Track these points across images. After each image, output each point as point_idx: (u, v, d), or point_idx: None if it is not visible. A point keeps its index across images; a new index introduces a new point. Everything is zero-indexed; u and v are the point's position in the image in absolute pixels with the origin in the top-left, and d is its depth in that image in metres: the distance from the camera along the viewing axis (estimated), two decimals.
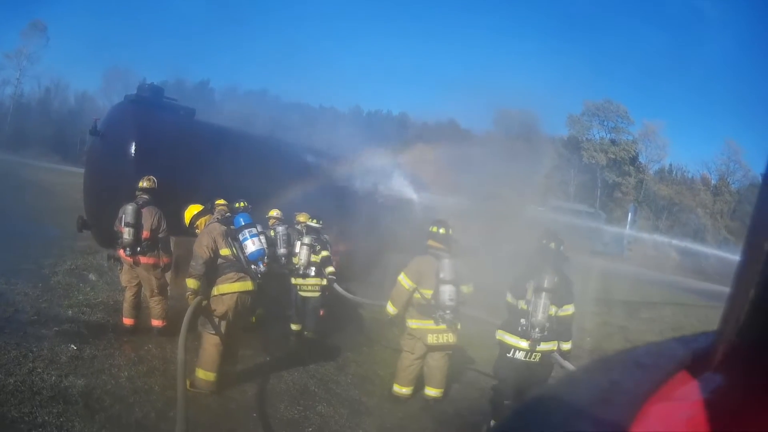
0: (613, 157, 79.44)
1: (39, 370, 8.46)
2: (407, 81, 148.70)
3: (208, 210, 10.13)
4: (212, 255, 9.02)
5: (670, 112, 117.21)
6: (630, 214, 62.67)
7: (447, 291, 9.42)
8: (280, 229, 13.51)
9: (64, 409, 7.45)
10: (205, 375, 8.88)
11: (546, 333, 8.42)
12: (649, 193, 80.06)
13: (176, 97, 16.56)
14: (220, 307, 8.95)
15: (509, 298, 8.88)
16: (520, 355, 8.58)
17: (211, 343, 8.93)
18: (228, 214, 10.01)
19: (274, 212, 14.15)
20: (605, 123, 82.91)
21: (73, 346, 9.69)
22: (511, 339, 8.67)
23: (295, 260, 13.28)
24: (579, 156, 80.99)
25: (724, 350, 1.22)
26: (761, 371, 1.16)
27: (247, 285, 9.19)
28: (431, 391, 9.95)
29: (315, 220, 13.57)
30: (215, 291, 9.01)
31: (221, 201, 11.37)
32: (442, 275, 9.48)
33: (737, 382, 1.19)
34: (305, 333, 13.34)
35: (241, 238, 9.30)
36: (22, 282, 13.10)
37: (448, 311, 9.42)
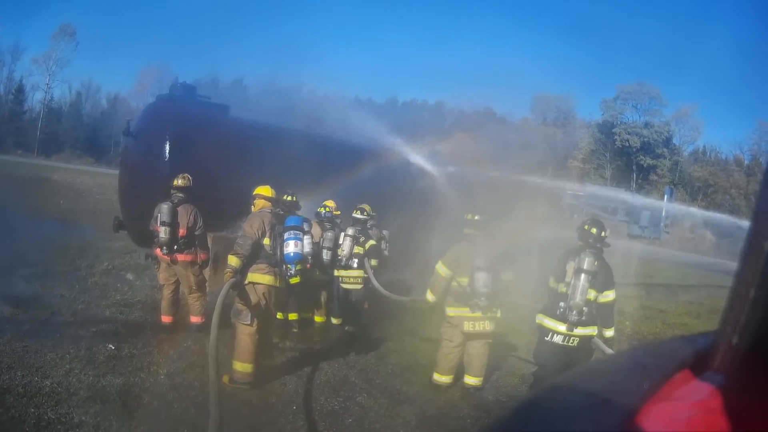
0: (646, 139, 78.98)
1: (76, 371, 8.50)
2: (443, 70, 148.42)
3: (275, 201, 10.05)
4: (259, 238, 9.06)
5: (702, 94, 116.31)
6: (666, 197, 62.07)
7: (481, 278, 9.32)
8: (330, 234, 13.03)
9: (101, 408, 7.47)
10: (242, 367, 8.85)
11: (584, 317, 8.38)
12: (684, 175, 79.54)
13: (210, 95, 16.57)
14: (252, 296, 8.96)
15: (551, 281, 8.83)
16: (558, 339, 8.54)
17: (245, 333, 8.91)
18: (280, 212, 10.10)
19: (330, 203, 13.67)
20: (638, 106, 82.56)
21: (111, 345, 9.73)
22: (549, 322, 8.63)
23: (339, 252, 13.02)
24: (613, 140, 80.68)
25: (724, 350, 1.22)
26: (761, 371, 1.17)
27: (276, 281, 9.22)
28: (470, 380, 9.87)
29: (359, 212, 13.38)
30: (247, 279, 9.04)
31: (289, 197, 11.49)
32: (476, 262, 9.40)
33: (737, 382, 1.19)
34: (346, 327, 13.19)
35: (285, 235, 9.32)
36: (58, 284, 13.26)
37: (482, 298, 9.32)
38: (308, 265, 10.95)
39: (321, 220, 13.30)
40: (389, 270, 14.83)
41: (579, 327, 8.45)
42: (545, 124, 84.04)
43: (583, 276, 8.31)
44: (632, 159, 79.35)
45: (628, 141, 79.70)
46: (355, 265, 13.00)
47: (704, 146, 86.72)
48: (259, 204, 9.75)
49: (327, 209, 13.34)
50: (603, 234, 8.81)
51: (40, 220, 22.21)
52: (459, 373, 10.07)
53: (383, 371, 10.56)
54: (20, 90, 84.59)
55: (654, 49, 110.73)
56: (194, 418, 7.52)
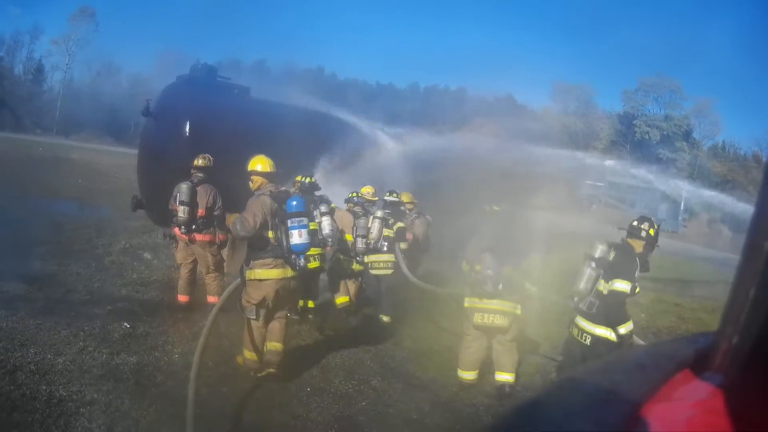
0: (666, 132, 78.73)
1: (90, 348, 8.53)
2: (465, 56, 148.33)
3: (275, 176, 9.22)
4: (258, 227, 8.43)
5: (720, 89, 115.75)
6: (684, 191, 62.04)
7: (486, 260, 9.13)
8: (362, 221, 12.29)
9: (114, 386, 7.52)
10: (249, 355, 8.81)
11: (594, 311, 8.10)
12: (703, 170, 79.27)
13: (231, 76, 16.54)
14: (256, 293, 8.57)
15: None
16: (574, 332, 8.32)
17: (251, 326, 8.76)
18: (280, 191, 9.14)
19: (366, 190, 13.53)
20: (659, 99, 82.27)
21: (126, 324, 9.78)
22: (578, 320, 8.36)
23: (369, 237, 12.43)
24: (633, 132, 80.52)
25: (724, 350, 1.22)
26: (761, 371, 1.15)
27: (287, 272, 8.68)
28: (501, 375, 9.54)
29: (390, 194, 13.29)
30: (251, 274, 8.62)
31: (300, 177, 11.25)
32: (482, 244, 9.33)
33: (737, 382, 1.18)
34: (381, 317, 12.71)
35: (288, 224, 8.59)
36: (74, 263, 13.34)
37: (488, 282, 9.06)
38: (328, 248, 10.71)
39: (352, 206, 12.85)
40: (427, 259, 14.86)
41: (585, 320, 8.17)
42: (566, 113, 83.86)
43: (587, 262, 8.16)
44: (652, 152, 79.10)
45: (648, 133, 79.49)
46: (385, 249, 12.65)
47: (723, 142, 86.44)
48: (257, 182, 9.07)
49: (357, 195, 12.95)
50: (641, 226, 8.46)
51: (58, 199, 22.28)
52: (484, 369, 9.89)
53: (398, 356, 10.61)
54: (39, 70, 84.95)
55: (674, 43, 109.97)
56: (207, 397, 7.56)
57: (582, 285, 8.14)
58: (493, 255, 9.14)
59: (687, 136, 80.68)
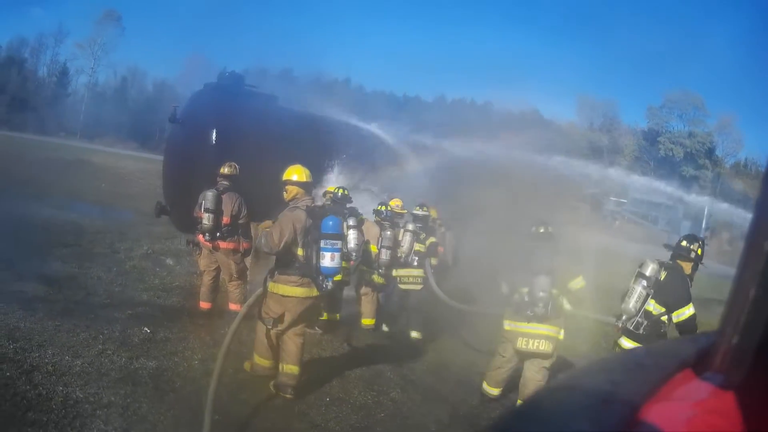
0: (689, 149, 78.62)
1: (109, 351, 8.51)
2: (491, 69, 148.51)
3: (311, 186, 8.96)
4: (282, 248, 8.10)
5: (741, 106, 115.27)
6: (706, 208, 61.69)
7: (539, 283, 8.77)
8: (389, 233, 11.93)
9: (132, 390, 7.49)
10: (260, 361, 8.72)
11: (641, 331, 7.98)
12: (725, 188, 79.01)
13: (258, 85, 16.59)
14: (276, 308, 8.32)
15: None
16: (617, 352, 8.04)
17: (262, 332, 8.60)
18: (316, 206, 8.75)
19: (395, 203, 13.29)
20: (683, 115, 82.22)
21: (146, 328, 9.76)
22: (622, 341, 8.27)
23: (399, 250, 12.21)
24: (657, 149, 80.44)
25: (724, 351, 1.21)
26: (762, 372, 1.15)
27: (312, 291, 8.32)
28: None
29: (420, 207, 13.16)
30: (274, 288, 8.31)
31: (332, 188, 11.18)
32: (535, 266, 8.93)
33: (738, 383, 1.18)
34: (411, 333, 12.54)
35: (322, 244, 8.08)
36: (95, 266, 13.36)
37: (540, 305, 8.75)
38: (351, 262, 10.58)
39: (380, 219, 12.58)
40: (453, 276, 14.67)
41: (630, 341, 8.04)
42: (591, 129, 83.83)
43: (640, 281, 7.98)
44: (675, 170, 78.94)
45: (672, 150, 79.41)
46: (416, 264, 12.50)
47: (746, 158, 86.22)
48: (291, 192, 8.61)
49: (387, 208, 12.69)
50: (691, 246, 8.33)
51: (80, 202, 22.39)
52: (508, 388, 9.75)
53: (418, 368, 10.59)
54: (64, 73, 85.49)
55: (696, 58, 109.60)
56: (226, 404, 7.56)
57: (632, 304, 8.00)
58: (548, 277, 8.86)
59: (710, 153, 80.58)
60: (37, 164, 27.99)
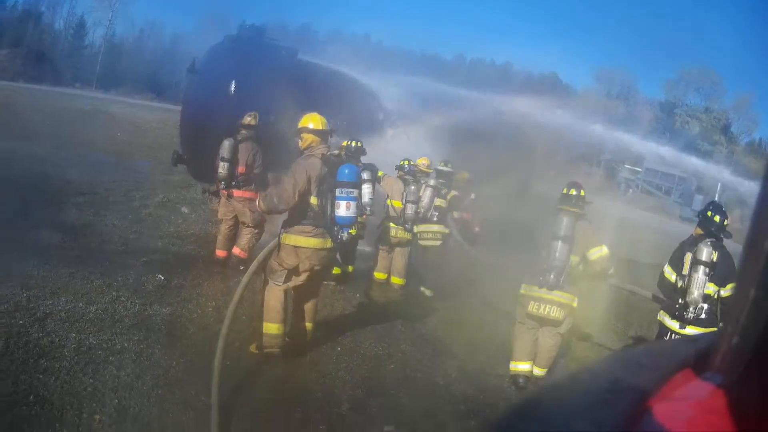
0: (705, 125, 78.28)
1: (123, 298, 8.57)
2: (510, 30, 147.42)
3: (327, 135, 8.47)
4: (298, 199, 7.79)
5: (759, 86, 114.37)
6: (720, 185, 61.43)
7: (555, 247, 8.45)
8: (413, 188, 11.82)
9: (145, 336, 7.56)
10: (267, 328, 8.02)
11: (703, 316, 7.86)
12: (739, 166, 78.81)
13: (278, 38, 16.55)
14: (289, 259, 7.93)
15: (666, 274, 8.40)
16: None
17: (272, 295, 8.06)
18: (336, 152, 8.57)
19: (422, 161, 12.90)
20: (700, 90, 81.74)
21: (160, 276, 9.82)
22: (669, 322, 8.16)
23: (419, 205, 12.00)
24: (673, 121, 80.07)
25: (724, 350, 1.20)
26: (762, 372, 1.14)
27: (327, 242, 8.01)
28: (536, 370, 9.04)
29: (445, 164, 13.12)
30: (286, 239, 7.95)
31: (346, 142, 11.08)
32: (554, 230, 8.53)
33: (738, 383, 1.16)
34: (422, 289, 12.51)
35: (337, 193, 7.80)
36: (111, 214, 13.47)
37: (553, 273, 8.46)
38: (364, 216, 10.42)
39: (403, 173, 12.35)
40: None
41: (692, 327, 7.91)
42: (609, 97, 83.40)
43: (701, 268, 7.76)
44: (691, 143, 78.69)
45: (688, 123, 79.03)
46: (435, 219, 12.40)
47: (760, 138, 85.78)
48: (307, 140, 8.25)
49: (411, 163, 12.48)
50: (725, 222, 8.18)
51: (96, 152, 22.34)
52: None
53: (430, 324, 10.63)
54: (81, 25, 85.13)
55: (715, 36, 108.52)
56: (239, 350, 7.67)
57: (696, 293, 7.80)
58: (565, 244, 8.52)
59: (725, 130, 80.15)
60: (53, 115, 27.79)
